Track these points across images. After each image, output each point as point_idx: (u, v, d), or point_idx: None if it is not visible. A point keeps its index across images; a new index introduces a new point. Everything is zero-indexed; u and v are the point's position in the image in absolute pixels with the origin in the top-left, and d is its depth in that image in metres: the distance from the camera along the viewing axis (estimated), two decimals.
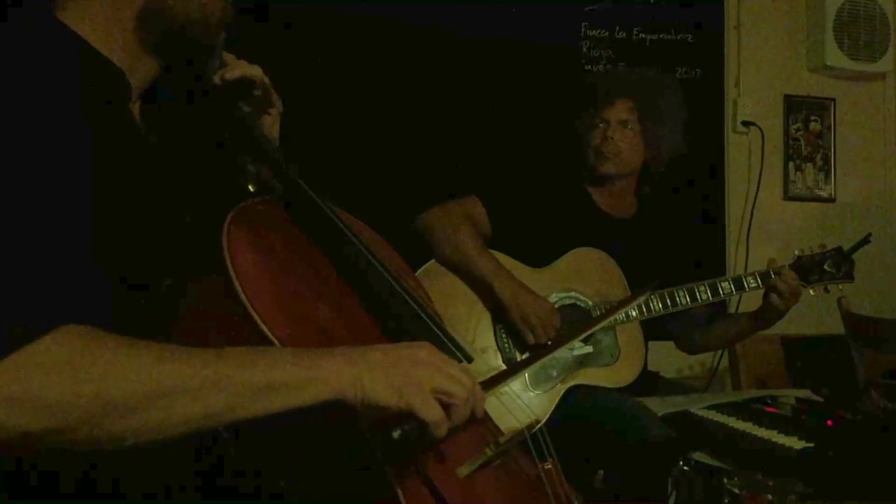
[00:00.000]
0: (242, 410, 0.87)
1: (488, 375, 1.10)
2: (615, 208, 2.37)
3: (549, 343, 2.08)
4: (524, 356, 2.13)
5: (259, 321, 0.95)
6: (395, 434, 0.92)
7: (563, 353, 2.15)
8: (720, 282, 2.23)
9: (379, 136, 2.82)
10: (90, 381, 0.81)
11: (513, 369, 1.42)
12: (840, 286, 2.28)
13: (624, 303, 2.04)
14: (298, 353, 0.93)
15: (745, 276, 2.25)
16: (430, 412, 0.93)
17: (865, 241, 2.29)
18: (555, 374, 2.13)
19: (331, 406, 0.90)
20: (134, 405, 0.83)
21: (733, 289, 2.23)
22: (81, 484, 0.93)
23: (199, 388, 0.85)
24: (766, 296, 2.22)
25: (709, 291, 2.22)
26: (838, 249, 2.28)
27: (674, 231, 2.43)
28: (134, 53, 1.08)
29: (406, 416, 0.92)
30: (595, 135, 2.31)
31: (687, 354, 2.61)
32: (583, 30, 3.12)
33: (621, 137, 2.28)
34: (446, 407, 0.95)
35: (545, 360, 2.01)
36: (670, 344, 2.50)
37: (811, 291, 2.26)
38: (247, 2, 1.18)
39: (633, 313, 2.19)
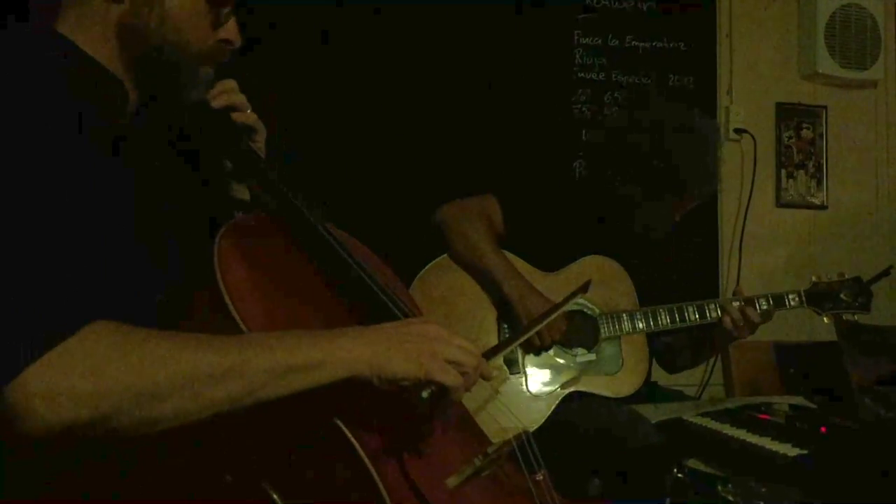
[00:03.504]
0: (263, 393, 0.92)
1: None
2: None
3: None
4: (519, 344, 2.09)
5: None
6: (425, 394, 0.98)
7: (567, 357, 2.15)
8: (731, 301, 2.16)
9: (408, 129, 2.86)
10: (123, 371, 0.86)
11: (508, 340, 1.62)
12: (855, 316, 2.20)
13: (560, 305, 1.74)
14: (315, 335, 0.98)
15: (758, 299, 2.18)
16: (450, 377, 1.00)
17: (886, 273, 2.22)
18: (555, 379, 2.13)
19: (344, 383, 0.95)
20: (164, 392, 0.87)
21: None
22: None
23: (224, 375, 0.90)
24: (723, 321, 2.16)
25: (719, 310, 2.16)
26: (857, 279, 2.21)
27: (672, 237, 2.43)
28: (121, 67, 1.08)
29: (424, 384, 0.98)
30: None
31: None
32: (576, 38, 3.13)
33: None
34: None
35: (539, 327, 1.95)
36: None
37: (825, 319, 2.20)
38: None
39: (640, 325, 2.18)
